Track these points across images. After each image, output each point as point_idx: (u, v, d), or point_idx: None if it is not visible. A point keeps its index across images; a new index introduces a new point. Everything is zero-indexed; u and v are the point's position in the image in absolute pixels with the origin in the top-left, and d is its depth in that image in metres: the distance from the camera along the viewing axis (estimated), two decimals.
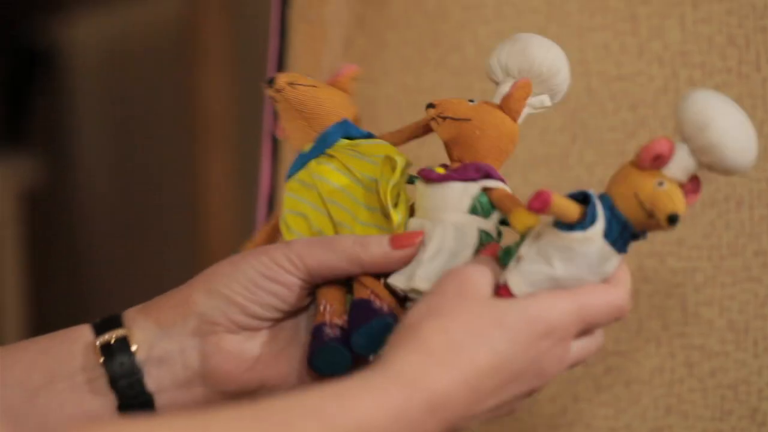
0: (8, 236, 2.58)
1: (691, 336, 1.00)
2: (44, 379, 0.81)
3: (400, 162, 0.82)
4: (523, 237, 0.78)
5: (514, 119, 0.82)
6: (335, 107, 0.85)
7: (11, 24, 2.79)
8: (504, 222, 0.81)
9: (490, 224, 0.81)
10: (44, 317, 2.70)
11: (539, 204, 0.74)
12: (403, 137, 0.86)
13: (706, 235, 0.99)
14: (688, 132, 0.75)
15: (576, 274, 0.76)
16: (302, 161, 0.85)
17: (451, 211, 0.80)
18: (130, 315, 0.83)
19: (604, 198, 0.77)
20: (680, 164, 0.76)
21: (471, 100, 0.82)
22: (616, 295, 0.78)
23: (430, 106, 0.82)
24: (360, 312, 0.80)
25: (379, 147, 0.84)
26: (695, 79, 0.99)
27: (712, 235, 0.99)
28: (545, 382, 0.77)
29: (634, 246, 1.00)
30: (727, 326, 0.99)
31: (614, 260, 0.77)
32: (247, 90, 2.21)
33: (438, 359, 0.73)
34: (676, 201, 0.75)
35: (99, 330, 0.83)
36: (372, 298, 0.81)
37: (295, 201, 0.85)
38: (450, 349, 0.73)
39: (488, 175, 0.81)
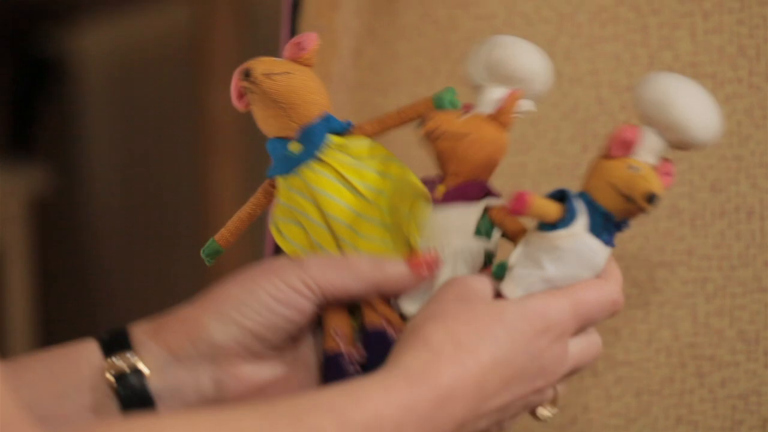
0: (17, 244, 2.59)
1: (702, 346, 1.00)
2: (53, 403, 0.80)
3: (426, 197, 0.81)
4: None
5: (506, 130, 0.82)
6: (310, 94, 0.83)
7: (21, 34, 2.79)
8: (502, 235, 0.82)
9: (492, 244, 0.81)
10: (52, 324, 2.70)
11: (519, 206, 0.75)
12: (383, 127, 0.84)
13: (716, 245, 0.99)
14: (651, 113, 0.77)
15: (568, 272, 0.77)
16: (291, 164, 0.83)
17: (457, 234, 0.81)
18: (139, 337, 0.81)
19: (582, 194, 0.78)
20: (648, 147, 0.77)
21: (463, 113, 0.82)
22: (610, 289, 0.79)
23: (423, 121, 0.82)
24: (378, 346, 0.80)
25: (369, 149, 0.83)
26: (706, 90, 0.99)
27: (722, 246, 0.99)
28: (548, 383, 0.77)
29: (643, 255, 1.01)
30: (738, 336, 0.99)
31: (602, 253, 0.78)
32: None
33: (442, 357, 0.74)
34: (651, 181, 0.76)
35: (106, 349, 0.81)
36: (386, 327, 0.80)
37: (288, 210, 0.83)
38: (453, 347, 0.74)
39: (489, 193, 0.81)
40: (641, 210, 0.77)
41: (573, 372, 0.79)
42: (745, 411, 0.98)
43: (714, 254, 0.99)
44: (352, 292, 0.80)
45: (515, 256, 0.78)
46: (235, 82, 0.84)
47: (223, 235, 0.85)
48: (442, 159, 0.82)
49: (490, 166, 0.82)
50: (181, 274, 2.69)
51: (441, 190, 0.81)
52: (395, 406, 0.71)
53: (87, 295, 2.88)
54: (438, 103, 0.82)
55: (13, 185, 2.59)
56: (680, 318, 1.00)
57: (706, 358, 0.99)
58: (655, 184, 0.76)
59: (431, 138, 0.81)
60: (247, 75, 0.82)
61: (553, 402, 0.80)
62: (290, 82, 0.82)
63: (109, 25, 2.80)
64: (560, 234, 0.77)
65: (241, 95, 0.84)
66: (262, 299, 0.80)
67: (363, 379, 0.73)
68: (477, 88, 0.83)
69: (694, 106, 0.77)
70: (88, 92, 2.86)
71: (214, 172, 2.45)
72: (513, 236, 0.80)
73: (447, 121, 0.81)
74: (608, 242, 0.78)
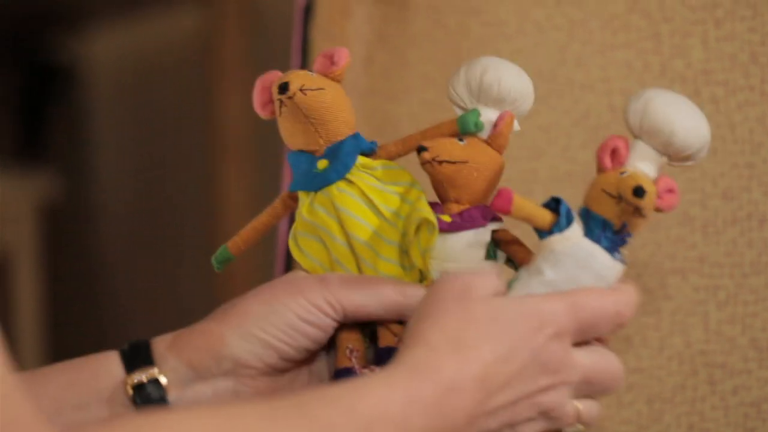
0: (26, 248, 2.59)
1: (714, 354, 1.00)
2: (73, 414, 0.80)
3: (432, 225, 0.81)
4: None
5: (501, 153, 0.83)
6: (341, 111, 0.83)
7: (30, 40, 2.80)
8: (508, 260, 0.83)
9: (499, 267, 0.82)
10: (60, 327, 2.71)
11: (502, 202, 0.76)
12: (407, 148, 0.84)
13: (728, 252, 0.99)
14: (634, 122, 0.79)
15: (567, 277, 0.78)
16: (317, 181, 0.83)
17: (469, 260, 0.81)
18: (160, 350, 0.82)
19: (581, 209, 0.79)
20: (640, 156, 0.79)
21: (460, 139, 0.82)
22: (614, 299, 0.78)
23: (423, 149, 0.82)
24: (390, 362, 0.81)
25: (394, 173, 0.84)
26: (718, 97, 0.99)
27: (734, 253, 0.99)
28: (553, 383, 0.77)
29: (655, 263, 1.01)
30: (750, 344, 0.99)
31: (604, 259, 0.78)
32: None
33: (441, 353, 0.74)
34: (639, 179, 0.77)
35: (128, 362, 0.82)
36: (399, 345, 0.81)
37: (311, 225, 0.83)
38: (452, 344, 0.75)
39: (493, 217, 0.81)
40: (635, 209, 0.77)
41: (588, 386, 0.78)
42: (757, 419, 0.98)
43: (726, 262, 0.99)
44: (373, 313, 0.81)
45: (521, 272, 0.79)
46: (260, 91, 0.84)
47: (236, 243, 0.85)
48: (442, 185, 0.82)
49: (489, 191, 0.82)
50: (189, 279, 2.69)
51: (447, 216, 0.81)
52: (399, 402, 0.72)
53: (94, 298, 2.89)
54: (462, 125, 0.82)
55: (22, 190, 2.59)
56: (692, 325, 1.00)
57: (717, 366, 0.99)
58: (643, 181, 0.77)
59: (432, 164, 0.81)
60: (283, 89, 0.82)
61: (580, 419, 0.79)
62: (322, 98, 0.83)
63: (119, 30, 2.81)
64: (555, 238, 0.78)
65: (266, 104, 0.84)
66: (286, 317, 0.80)
67: (367, 377, 0.75)
68: (462, 110, 0.83)
69: (674, 108, 0.78)
70: (97, 98, 2.86)
71: (223, 178, 2.46)
72: (516, 258, 0.81)
73: (446, 149, 0.81)
74: (609, 250, 0.78)
